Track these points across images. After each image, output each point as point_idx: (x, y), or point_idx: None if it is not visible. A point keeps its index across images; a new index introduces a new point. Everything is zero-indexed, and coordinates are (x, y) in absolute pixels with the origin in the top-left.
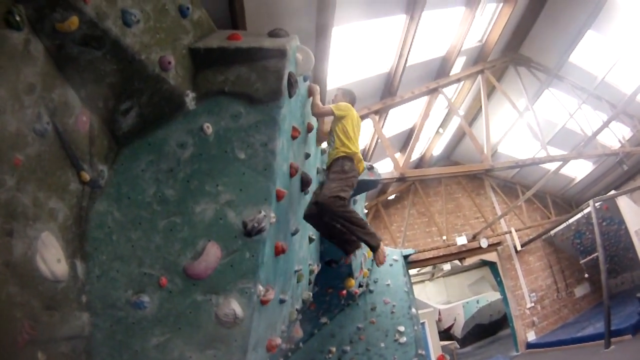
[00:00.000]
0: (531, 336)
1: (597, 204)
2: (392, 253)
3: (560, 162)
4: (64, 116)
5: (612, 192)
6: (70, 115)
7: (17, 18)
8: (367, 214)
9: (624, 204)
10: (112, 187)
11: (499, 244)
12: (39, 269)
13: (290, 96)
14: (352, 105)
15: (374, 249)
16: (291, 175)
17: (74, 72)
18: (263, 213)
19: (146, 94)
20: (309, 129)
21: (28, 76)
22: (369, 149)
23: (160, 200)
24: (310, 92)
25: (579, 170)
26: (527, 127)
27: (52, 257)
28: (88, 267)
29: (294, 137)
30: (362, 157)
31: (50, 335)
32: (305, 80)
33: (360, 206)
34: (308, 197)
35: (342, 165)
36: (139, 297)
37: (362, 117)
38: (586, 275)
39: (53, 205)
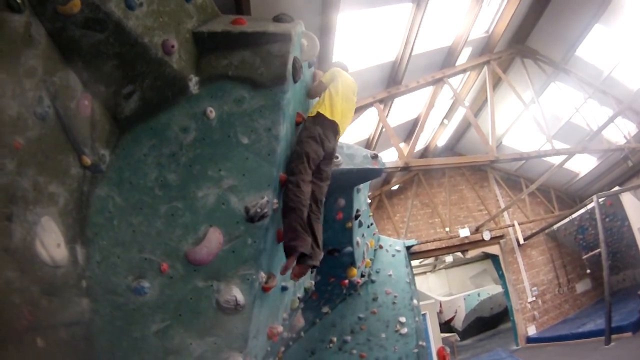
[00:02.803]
0: (532, 330)
1: (600, 200)
2: (394, 243)
3: (565, 156)
4: (65, 100)
5: (616, 188)
6: (71, 98)
7: (18, 0)
8: (370, 204)
9: (628, 200)
10: (114, 171)
11: (501, 237)
12: (39, 254)
13: (294, 81)
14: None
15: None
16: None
17: (75, 56)
18: (266, 199)
19: (149, 77)
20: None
21: (29, 59)
22: (373, 137)
23: (162, 185)
24: (299, 119)
25: (583, 165)
26: (533, 120)
27: (52, 242)
28: (88, 252)
29: (297, 123)
30: (337, 125)
31: (49, 321)
32: (310, 66)
33: (364, 195)
34: None
35: (305, 129)
36: (140, 283)
37: (367, 106)
38: (588, 271)
39: (53, 190)
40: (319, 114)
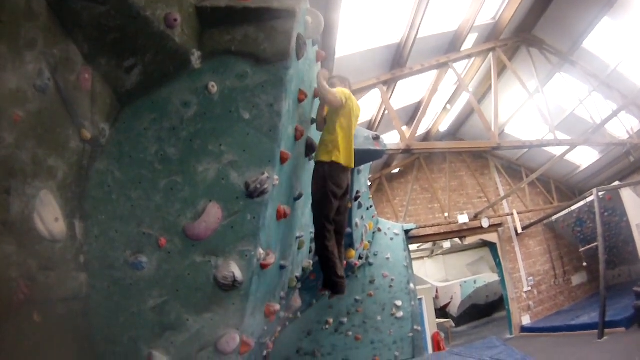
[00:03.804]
0: (526, 320)
1: (600, 194)
2: (393, 227)
3: (567, 147)
4: (65, 73)
5: (617, 183)
6: (72, 71)
7: None
8: (370, 187)
9: (628, 196)
10: (114, 145)
11: (500, 225)
12: (37, 228)
13: (298, 58)
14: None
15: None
16: (296, 138)
17: (76, 28)
18: (266, 175)
19: (150, 51)
20: (316, 94)
21: (29, 31)
22: (375, 120)
23: (161, 159)
24: (302, 97)
25: (584, 158)
26: (536, 110)
27: (50, 216)
28: (87, 226)
29: (300, 100)
30: (350, 158)
31: (46, 296)
32: (313, 45)
33: (364, 177)
34: (312, 163)
35: (314, 174)
36: (137, 258)
37: (370, 87)
38: (584, 264)
39: (52, 163)
40: (333, 163)
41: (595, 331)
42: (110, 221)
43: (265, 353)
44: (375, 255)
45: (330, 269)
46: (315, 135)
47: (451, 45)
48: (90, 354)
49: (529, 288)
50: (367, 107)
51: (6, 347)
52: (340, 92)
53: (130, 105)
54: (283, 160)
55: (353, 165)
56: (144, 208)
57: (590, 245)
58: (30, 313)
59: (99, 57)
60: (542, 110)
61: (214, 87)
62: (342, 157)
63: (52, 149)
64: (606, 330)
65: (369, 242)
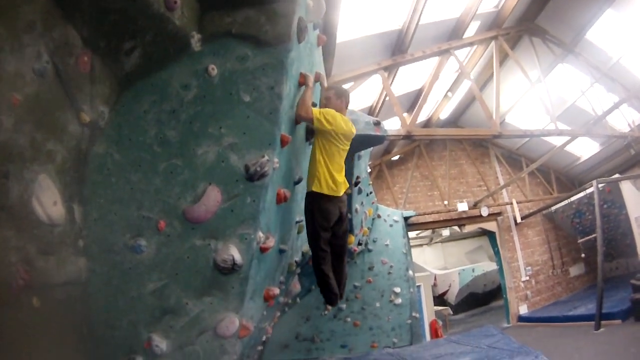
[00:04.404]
0: (523, 309)
1: (600, 186)
2: (392, 213)
3: (568, 138)
4: (64, 56)
5: (617, 175)
6: (70, 54)
7: None
8: (370, 173)
9: (627, 189)
10: (113, 128)
11: (499, 214)
12: (35, 212)
13: (299, 41)
14: (345, 108)
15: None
16: (296, 122)
17: (75, 11)
18: (266, 157)
19: (150, 33)
20: (317, 78)
21: (28, 14)
22: (376, 106)
23: (161, 142)
24: (303, 81)
25: (585, 149)
26: (538, 100)
27: (49, 200)
28: (86, 210)
29: (300, 84)
30: (339, 187)
31: (45, 280)
32: (315, 28)
33: (364, 163)
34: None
35: (305, 205)
36: (137, 241)
37: (371, 73)
38: (583, 255)
39: (51, 147)
40: (315, 194)
41: (592, 322)
42: (110, 205)
43: (264, 338)
44: (374, 241)
45: (325, 285)
46: None
47: (453, 33)
48: (90, 339)
49: (527, 278)
50: (367, 93)
51: (6, 332)
52: (327, 113)
53: (129, 88)
54: (283, 143)
55: (341, 193)
56: (143, 191)
57: (588, 237)
58: (29, 298)
59: (99, 40)
60: (543, 100)
61: (214, 69)
62: (324, 186)
63: (50, 132)
64: (603, 322)
65: (368, 228)
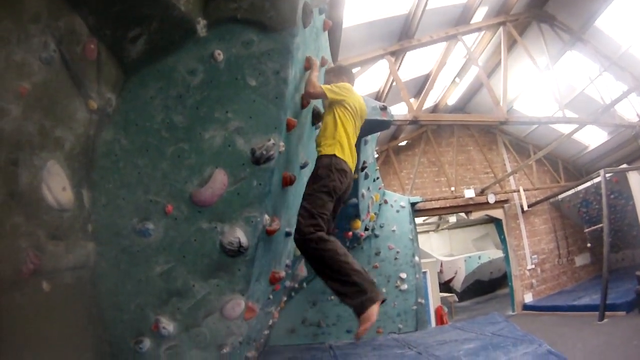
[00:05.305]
0: (528, 298)
1: (607, 175)
2: (399, 199)
3: (576, 126)
4: (71, 44)
5: (625, 165)
6: (77, 43)
7: None
8: (377, 159)
9: (635, 180)
10: (120, 114)
11: (506, 201)
12: (45, 198)
13: (304, 26)
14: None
15: (355, 310)
16: (302, 106)
17: (81, 0)
18: (272, 141)
19: (156, 20)
20: (323, 63)
21: (33, 5)
22: (383, 91)
23: (168, 127)
24: (308, 65)
25: (593, 138)
26: (546, 87)
27: (58, 186)
28: (94, 195)
29: (306, 69)
30: (355, 158)
31: (55, 265)
32: (320, 13)
33: (371, 148)
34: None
35: (315, 170)
36: (144, 225)
37: (378, 58)
38: (589, 245)
39: (59, 134)
40: (335, 157)
41: (596, 313)
42: (118, 189)
43: (270, 322)
44: (381, 227)
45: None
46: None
47: (460, 18)
48: (98, 322)
49: (533, 266)
50: (374, 78)
51: (16, 316)
52: (339, 85)
53: (136, 75)
54: (289, 127)
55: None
56: (150, 176)
57: (595, 227)
58: (39, 282)
59: (105, 28)
60: (551, 88)
61: (220, 54)
62: (347, 154)
63: (58, 120)
64: (607, 313)
65: (375, 213)
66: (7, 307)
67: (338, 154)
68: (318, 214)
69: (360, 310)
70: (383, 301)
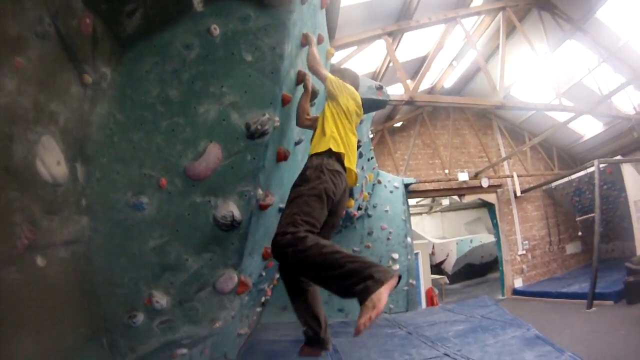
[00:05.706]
0: (518, 283)
1: (601, 166)
2: (393, 180)
3: (572, 115)
4: (66, 18)
5: (619, 157)
6: (72, 17)
7: None
8: (372, 139)
9: (628, 172)
10: (115, 89)
11: (499, 186)
12: (39, 173)
13: (302, 2)
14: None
15: (359, 297)
16: (298, 82)
17: None
18: (267, 116)
19: None
20: (320, 40)
21: None
22: (379, 71)
23: (163, 101)
24: (305, 41)
25: (588, 128)
26: (543, 74)
27: (52, 161)
28: (88, 170)
29: (303, 45)
30: (351, 165)
31: (49, 239)
32: None
33: (366, 127)
34: (314, 109)
35: (303, 171)
36: (138, 199)
37: (375, 38)
38: (580, 234)
39: (54, 109)
40: (331, 152)
41: (585, 301)
42: (112, 163)
43: (263, 300)
44: (374, 207)
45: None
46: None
47: (460, 1)
48: (93, 297)
49: (524, 252)
50: (371, 58)
51: (10, 291)
52: (337, 82)
53: (132, 49)
54: (284, 102)
55: (353, 177)
56: (145, 150)
57: (586, 216)
58: (33, 257)
59: (100, 2)
60: (549, 76)
61: (216, 29)
62: (342, 148)
63: (53, 94)
64: (595, 302)
65: (368, 193)
66: (2, 282)
67: (334, 148)
68: (302, 222)
69: (363, 296)
70: (399, 280)
